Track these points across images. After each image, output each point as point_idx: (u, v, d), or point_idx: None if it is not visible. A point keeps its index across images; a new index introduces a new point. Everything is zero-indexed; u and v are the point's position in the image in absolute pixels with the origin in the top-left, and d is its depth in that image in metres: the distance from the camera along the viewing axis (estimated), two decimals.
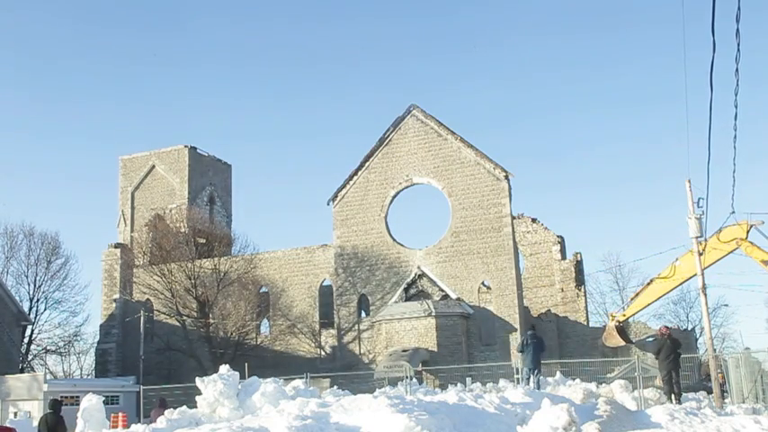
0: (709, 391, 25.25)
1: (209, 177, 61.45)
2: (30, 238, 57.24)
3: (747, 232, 27.87)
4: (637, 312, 34.34)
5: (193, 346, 48.46)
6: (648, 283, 32.81)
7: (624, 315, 33.88)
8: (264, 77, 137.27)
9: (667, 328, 22.70)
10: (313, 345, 50.29)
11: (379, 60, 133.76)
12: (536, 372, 20.03)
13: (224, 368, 18.22)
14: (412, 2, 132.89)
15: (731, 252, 28.23)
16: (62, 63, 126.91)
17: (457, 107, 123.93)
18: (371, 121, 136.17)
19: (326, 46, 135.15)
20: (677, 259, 30.61)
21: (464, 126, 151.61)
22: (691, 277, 30.60)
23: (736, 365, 22.52)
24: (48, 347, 58.41)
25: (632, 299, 34.17)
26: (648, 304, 34.01)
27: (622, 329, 34.18)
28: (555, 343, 46.52)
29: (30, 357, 55.74)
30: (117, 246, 57.25)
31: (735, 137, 13.46)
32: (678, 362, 20.30)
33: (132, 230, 58.80)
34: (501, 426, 11.58)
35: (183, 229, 52.90)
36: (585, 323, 50.12)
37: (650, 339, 31.24)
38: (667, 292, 33.68)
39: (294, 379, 23.69)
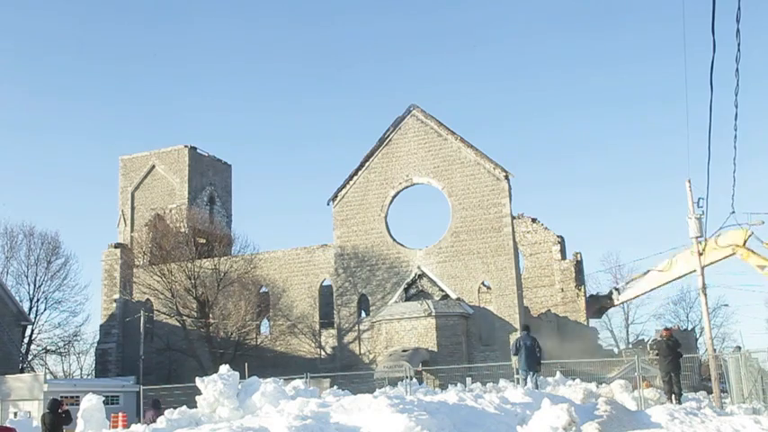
0: (710, 391, 25.29)
1: (209, 177, 61.44)
2: (30, 238, 57.27)
3: (745, 241, 27.87)
4: (632, 299, 34.42)
5: (193, 346, 48.45)
6: (645, 273, 32.95)
7: (619, 300, 33.90)
8: (264, 77, 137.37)
9: (668, 329, 22.71)
10: (313, 345, 50.30)
11: (378, 60, 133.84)
12: (533, 374, 19.88)
13: (224, 368, 18.19)
14: (412, 1, 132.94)
15: (728, 257, 28.30)
16: (62, 62, 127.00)
17: (457, 107, 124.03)
18: (371, 121, 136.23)
19: (326, 46, 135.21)
20: (675, 256, 30.81)
21: (464, 126, 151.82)
22: (685, 275, 30.76)
23: (735, 365, 22.51)
24: (48, 347, 58.44)
25: (628, 282, 34.20)
26: (645, 293, 34.12)
27: (604, 308, 34.34)
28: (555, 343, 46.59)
29: (30, 357, 55.71)
30: (117, 246, 57.24)
31: (735, 137, 13.48)
32: (678, 363, 20.28)
33: (132, 230, 58.79)
34: (501, 426, 11.57)
35: (183, 229, 52.90)
36: (585, 323, 50.16)
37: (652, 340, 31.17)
38: (661, 285, 33.77)
39: (294, 379, 23.66)
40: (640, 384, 21.44)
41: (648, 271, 32.62)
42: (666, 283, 33.45)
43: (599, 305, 33.69)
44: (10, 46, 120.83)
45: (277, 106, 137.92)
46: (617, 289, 34.35)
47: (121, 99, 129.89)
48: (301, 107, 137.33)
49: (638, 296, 34.83)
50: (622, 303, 34.27)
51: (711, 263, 28.97)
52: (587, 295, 38.21)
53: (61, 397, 24.69)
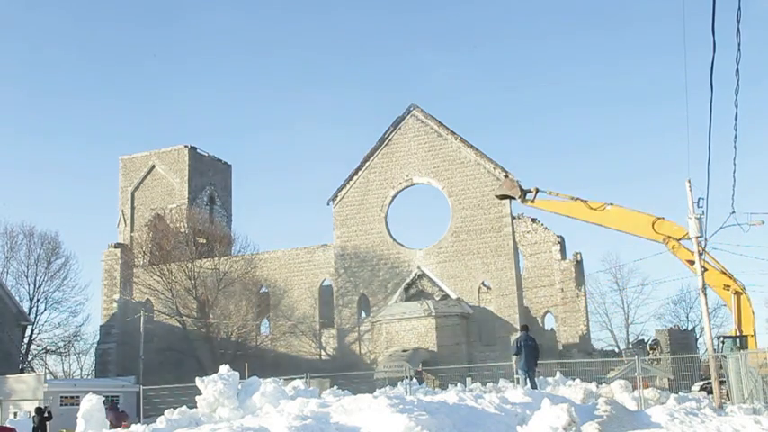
0: (710, 391, 25.26)
1: (209, 177, 61.45)
2: (30, 238, 57.23)
3: (680, 239, 27.53)
4: (544, 208, 32.72)
5: (193, 346, 48.45)
6: (574, 200, 31.13)
7: (532, 201, 32.16)
8: (265, 77, 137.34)
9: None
10: (314, 345, 50.29)
11: (379, 59, 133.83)
12: (530, 373, 19.88)
13: (224, 368, 18.18)
14: (412, 1, 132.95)
15: (656, 241, 27.92)
16: (62, 62, 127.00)
17: (457, 107, 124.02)
18: (371, 121, 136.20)
19: (327, 45, 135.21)
20: (612, 204, 29.82)
21: (464, 126, 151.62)
22: (608, 227, 30.11)
23: (735, 365, 22.48)
24: (48, 347, 58.39)
25: (551, 193, 32.19)
26: (559, 212, 32.36)
27: (510, 196, 33.09)
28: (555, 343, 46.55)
29: (30, 357, 55.71)
30: (117, 246, 57.26)
31: (735, 137, 13.47)
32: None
33: (132, 230, 58.80)
34: (501, 426, 11.57)
35: (183, 229, 52.92)
36: (586, 323, 50.11)
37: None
38: (580, 219, 31.87)
39: (294, 379, 23.65)
40: (640, 384, 21.42)
41: (578, 199, 30.89)
42: (585, 220, 31.56)
43: (510, 190, 32.18)
44: (10, 46, 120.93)
45: (277, 106, 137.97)
46: (540, 190, 32.27)
47: (121, 99, 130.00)
48: (301, 107, 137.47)
49: (551, 212, 32.90)
50: (529, 204, 32.22)
51: (631, 232, 28.64)
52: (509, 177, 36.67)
53: (61, 397, 24.93)
